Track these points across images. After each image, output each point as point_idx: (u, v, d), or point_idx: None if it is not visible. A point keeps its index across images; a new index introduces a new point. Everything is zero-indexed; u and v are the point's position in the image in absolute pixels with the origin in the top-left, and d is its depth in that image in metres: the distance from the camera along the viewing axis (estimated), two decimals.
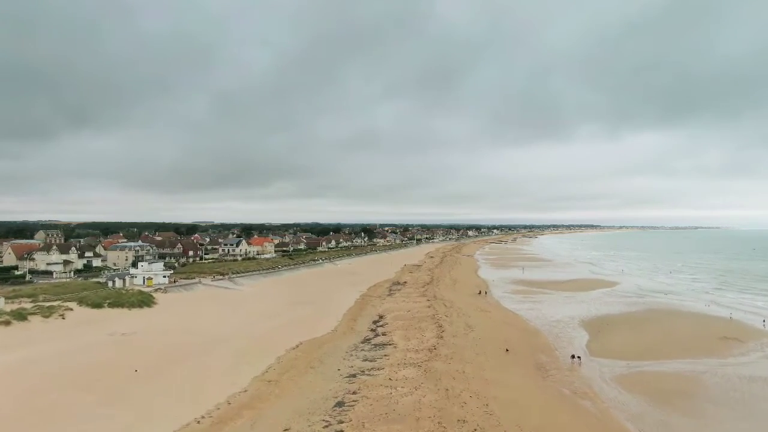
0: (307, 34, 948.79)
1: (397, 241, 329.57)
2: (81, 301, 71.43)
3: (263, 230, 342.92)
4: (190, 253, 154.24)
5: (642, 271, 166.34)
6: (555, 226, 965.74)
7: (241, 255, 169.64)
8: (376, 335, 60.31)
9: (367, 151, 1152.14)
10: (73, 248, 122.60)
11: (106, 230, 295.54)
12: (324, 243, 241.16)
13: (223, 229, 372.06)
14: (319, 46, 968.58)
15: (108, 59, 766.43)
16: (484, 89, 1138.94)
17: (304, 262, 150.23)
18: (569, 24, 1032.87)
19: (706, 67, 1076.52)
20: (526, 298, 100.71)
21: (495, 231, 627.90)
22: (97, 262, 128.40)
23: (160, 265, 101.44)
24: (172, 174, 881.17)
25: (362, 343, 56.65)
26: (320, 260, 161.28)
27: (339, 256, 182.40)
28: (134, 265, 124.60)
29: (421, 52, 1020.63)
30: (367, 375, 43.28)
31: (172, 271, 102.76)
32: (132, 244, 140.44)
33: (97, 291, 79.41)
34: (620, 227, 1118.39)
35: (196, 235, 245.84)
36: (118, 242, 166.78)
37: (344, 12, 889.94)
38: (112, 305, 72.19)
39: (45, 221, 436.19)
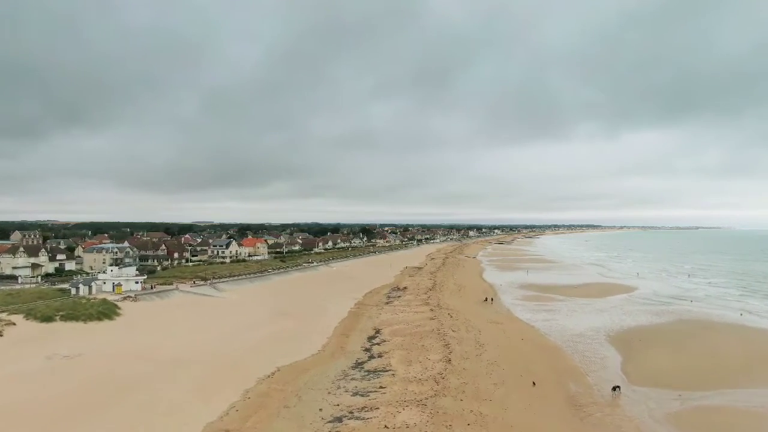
0: (296, 28, 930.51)
1: (397, 242, 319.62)
2: (28, 314, 61.45)
3: (259, 230, 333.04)
4: (176, 255, 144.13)
5: (655, 273, 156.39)
6: (556, 226, 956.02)
7: (231, 257, 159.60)
8: (371, 357, 50.39)
9: (366, 150, 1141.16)
10: (43, 250, 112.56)
11: (98, 230, 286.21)
12: (320, 244, 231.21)
13: (222, 229, 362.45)
14: (309, 41, 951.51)
15: (93, 56, 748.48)
16: (481, 87, 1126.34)
17: (296, 265, 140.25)
18: (567, 19, 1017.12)
19: (707, 64, 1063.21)
20: (539, 306, 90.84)
21: (496, 231, 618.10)
22: (71, 266, 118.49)
23: (132, 269, 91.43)
24: (169, 173, 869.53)
25: (354, 368, 46.70)
26: (314, 263, 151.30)
27: (335, 258, 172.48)
28: (120, 267, 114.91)
29: (415, 49, 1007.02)
30: (357, 419, 33.41)
31: (145, 277, 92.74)
32: (110, 245, 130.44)
33: (49, 302, 69.32)
34: (621, 227, 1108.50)
35: (187, 235, 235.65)
36: (102, 243, 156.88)
37: (333, 6, 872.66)
38: (65, 318, 62.17)
39: (43, 221, 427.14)
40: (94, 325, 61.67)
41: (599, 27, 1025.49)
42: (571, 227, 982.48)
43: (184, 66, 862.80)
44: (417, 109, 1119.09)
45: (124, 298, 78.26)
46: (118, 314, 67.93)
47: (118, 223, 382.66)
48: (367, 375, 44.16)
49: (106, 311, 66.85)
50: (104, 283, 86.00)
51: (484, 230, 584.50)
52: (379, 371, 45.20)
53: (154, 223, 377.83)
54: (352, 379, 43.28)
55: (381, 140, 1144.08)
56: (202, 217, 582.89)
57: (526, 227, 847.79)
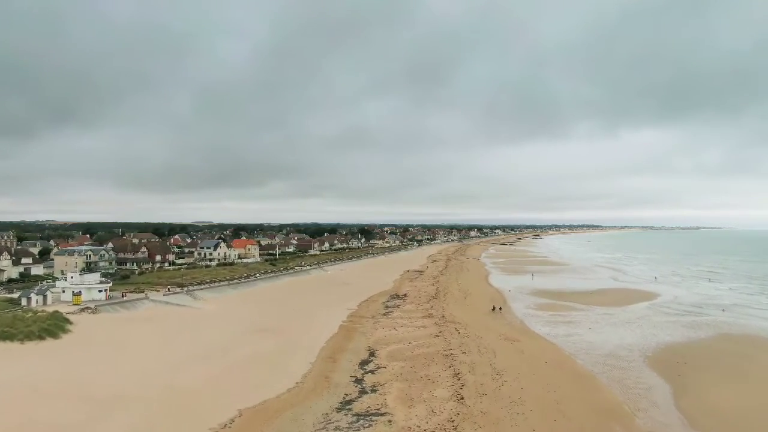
0: (285, 23, 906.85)
1: (397, 243, 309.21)
2: None
3: (254, 231, 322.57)
4: (158, 257, 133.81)
5: (671, 277, 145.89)
6: (557, 227, 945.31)
7: (218, 259, 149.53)
8: (362, 392, 40.09)
9: (363, 150, 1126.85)
10: (6, 253, 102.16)
11: (92, 230, 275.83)
12: (316, 245, 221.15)
13: (220, 229, 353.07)
14: (299, 36, 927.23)
15: (78, 51, 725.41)
16: (477, 85, 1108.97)
17: (287, 269, 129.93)
18: (564, 15, 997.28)
19: (707, 61, 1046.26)
20: (555, 317, 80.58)
21: (497, 231, 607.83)
22: (38, 270, 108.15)
23: (96, 276, 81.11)
24: (166, 174, 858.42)
25: (339, 409, 36.39)
26: (307, 266, 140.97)
27: (330, 261, 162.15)
28: (82, 272, 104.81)
29: (409, 45, 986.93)
30: None
31: (111, 284, 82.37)
32: (83, 248, 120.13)
33: None
34: (622, 227, 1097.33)
35: (177, 236, 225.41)
36: (81, 245, 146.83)
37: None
38: None
39: (42, 221, 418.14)
40: (32, 347, 51.34)
41: (597, 23, 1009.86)
42: (572, 227, 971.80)
43: (172, 62, 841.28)
44: (413, 107, 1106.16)
45: (82, 310, 68.08)
46: (66, 331, 57.62)
47: (116, 223, 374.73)
48: (356, 421, 33.86)
49: (51, 328, 56.50)
50: (63, 291, 75.74)
51: (485, 230, 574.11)
52: (372, 415, 34.92)
53: (151, 224, 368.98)
54: (336, 427, 32.96)
55: (378, 139, 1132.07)
56: (202, 217, 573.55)
57: (526, 227, 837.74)
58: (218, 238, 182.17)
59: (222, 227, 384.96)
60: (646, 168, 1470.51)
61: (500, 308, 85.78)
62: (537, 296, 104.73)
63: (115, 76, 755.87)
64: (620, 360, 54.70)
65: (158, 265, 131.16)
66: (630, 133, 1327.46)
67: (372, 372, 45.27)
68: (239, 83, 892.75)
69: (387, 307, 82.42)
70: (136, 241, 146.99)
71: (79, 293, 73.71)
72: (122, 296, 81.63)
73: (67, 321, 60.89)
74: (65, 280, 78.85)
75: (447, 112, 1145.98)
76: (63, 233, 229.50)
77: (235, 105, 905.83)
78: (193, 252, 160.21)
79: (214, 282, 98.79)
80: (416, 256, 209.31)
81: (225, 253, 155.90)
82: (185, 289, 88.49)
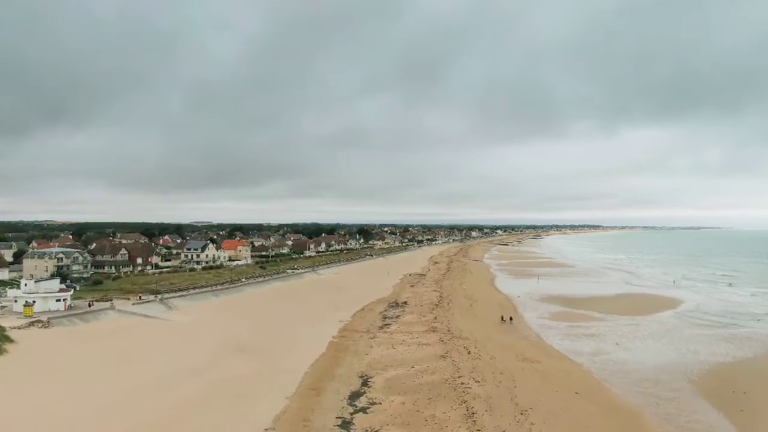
0: (276, 19, 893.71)
1: (397, 243, 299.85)
2: None
3: (250, 231, 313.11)
4: (139, 260, 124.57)
5: (687, 281, 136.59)
6: (557, 227, 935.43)
7: (206, 262, 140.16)
8: None
9: (361, 149, 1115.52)
10: None
11: (81, 230, 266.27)
12: (312, 246, 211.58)
13: (219, 229, 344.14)
14: (290, 33, 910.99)
15: (64, 49, 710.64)
16: (473, 83, 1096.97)
17: (278, 272, 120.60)
18: (560, 9, 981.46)
19: (707, 58, 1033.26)
20: (575, 329, 71.46)
21: (498, 231, 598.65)
22: (3, 275, 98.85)
23: (54, 282, 71.75)
24: (162, 173, 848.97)
25: None
26: (300, 269, 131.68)
27: (326, 263, 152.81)
28: (53, 276, 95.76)
29: (403, 41, 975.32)
30: None
31: (72, 291, 73.09)
32: (54, 250, 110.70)
33: None
34: (623, 227, 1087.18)
35: (166, 237, 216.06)
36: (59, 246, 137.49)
37: None
38: None
39: (40, 221, 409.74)
40: None
41: (594, 19, 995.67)
42: (573, 227, 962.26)
43: (162, 59, 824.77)
44: (409, 105, 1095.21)
45: (31, 324, 58.83)
46: (2, 352, 48.35)
47: (114, 223, 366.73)
48: None
49: None
50: (15, 301, 66.43)
51: (486, 231, 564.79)
52: None
53: (149, 224, 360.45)
54: None
55: (375, 138, 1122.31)
56: (201, 217, 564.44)
57: (527, 227, 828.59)
58: (209, 239, 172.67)
59: (221, 227, 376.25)
60: (646, 167, 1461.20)
61: (511, 318, 76.54)
62: (549, 303, 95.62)
63: (103, 74, 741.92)
64: (663, 387, 45.56)
65: (140, 268, 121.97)
66: (629, 132, 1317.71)
67: (364, 410, 36.05)
68: (232, 81, 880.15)
69: (385, 317, 73.16)
70: (118, 242, 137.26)
71: (32, 303, 64.38)
72: (89, 305, 72.49)
73: (7, 339, 51.71)
74: (17, 288, 69.52)
75: (443, 110, 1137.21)
76: (48, 233, 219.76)
77: (228, 103, 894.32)
78: (179, 254, 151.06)
79: (195, 288, 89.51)
80: (417, 258, 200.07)
81: (213, 255, 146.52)
82: (159, 296, 79.17)
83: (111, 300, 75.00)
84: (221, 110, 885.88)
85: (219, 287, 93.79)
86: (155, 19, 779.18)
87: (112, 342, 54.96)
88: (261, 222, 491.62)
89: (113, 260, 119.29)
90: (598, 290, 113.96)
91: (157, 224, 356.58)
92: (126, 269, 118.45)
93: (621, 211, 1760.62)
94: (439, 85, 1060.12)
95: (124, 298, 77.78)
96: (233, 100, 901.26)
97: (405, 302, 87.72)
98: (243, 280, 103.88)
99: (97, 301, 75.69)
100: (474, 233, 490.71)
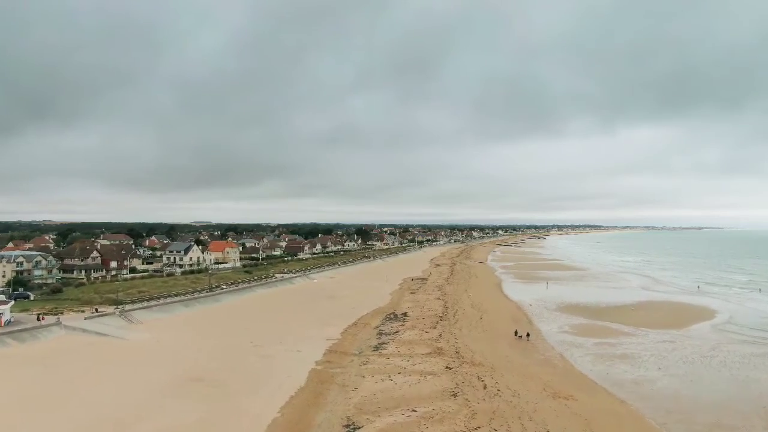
0: (261, 10, 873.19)
1: (396, 244, 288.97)
2: None
3: (242, 231, 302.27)
4: (113, 264, 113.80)
5: (711, 286, 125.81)
6: (558, 227, 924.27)
7: (190, 265, 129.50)
8: None
9: (358, 148, 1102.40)
10: None
11: (70, 230, 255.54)
12: (307, 247, 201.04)
13: (218, 229, 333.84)
14: (278, 25, 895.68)
15: (41, 45, 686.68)
16: (467, 79, 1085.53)
17: (265, 277, 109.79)
18: (555, 2, 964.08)
19: (706, 54, 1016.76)
20: (604, 347, 60.79)
21: (500, 232, 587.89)
22: None
23: None
24: (157, 172, 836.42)
25: None
26: (291, 273, 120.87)
27: (320, 266, 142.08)
28: (10, 283, 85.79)
29: (395, 36, 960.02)
30: None
31: (11, 303, 62.16)
32: (13, 253, 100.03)
33: None
34: (624, 228, 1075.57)
35: (153, 237, 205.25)
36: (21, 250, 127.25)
37: None
38: None
39: (37, 221, 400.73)
40: None
41: (590, 13, 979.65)
42: (574, 227, 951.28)
43: (143, 54, 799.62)
44: (404, 103, 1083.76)
45: None
46: None
47: (111, 224, 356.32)
48: None
49: None
50: None
51: (487, 231, 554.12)
52: None
53: (138, 224, 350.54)
54: None
55: (371, 136, 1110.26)
56: (200, 217, 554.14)
57: (528, 227, 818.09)
58: (194, 241, 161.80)
59: (220, 228, 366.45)
60: (645, 167, 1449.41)
61: (528, 334, 65.69)
62: (567, 313, 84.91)
63: (84, 69, 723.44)
64: None
65: (113, 272, 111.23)
66: (627, 130, 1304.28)
67: None
68: (220, 77, 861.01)
69: (381, 334, 62.37)
70: (90, 244, 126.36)
71: None
72: (38, 319, 61.80)
73: None
74: None
75: (439, 108, 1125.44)
76: (30, 234, 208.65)
77: (219, 100, 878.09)
78: (161, 257, 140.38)
79: (166, 297, 78.74)
80: (417, 260, 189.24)
81: (198, 257, 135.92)
82: (120, 308, 68.33)
83: (61, 313, 64.16)
84: (212, 108, 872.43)
85: (194, 295, 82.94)
86: (133, 11, 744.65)
87: (36, 372, 44.14)
88: (260, 222, 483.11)
89: (84, 264, 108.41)
90: (617, 297, 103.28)
91: (144, 224, 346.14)
92: (98, 274, 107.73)
93: (620, 211, 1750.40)
94: (434, 82, 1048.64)
95: (79, 311, 67.00)
96: (223, 97, 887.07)
97: (405, 313, 76.94)
98: (223, 287, 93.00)
99: (47, 313, 65.00)
100: (475, 234, 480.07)
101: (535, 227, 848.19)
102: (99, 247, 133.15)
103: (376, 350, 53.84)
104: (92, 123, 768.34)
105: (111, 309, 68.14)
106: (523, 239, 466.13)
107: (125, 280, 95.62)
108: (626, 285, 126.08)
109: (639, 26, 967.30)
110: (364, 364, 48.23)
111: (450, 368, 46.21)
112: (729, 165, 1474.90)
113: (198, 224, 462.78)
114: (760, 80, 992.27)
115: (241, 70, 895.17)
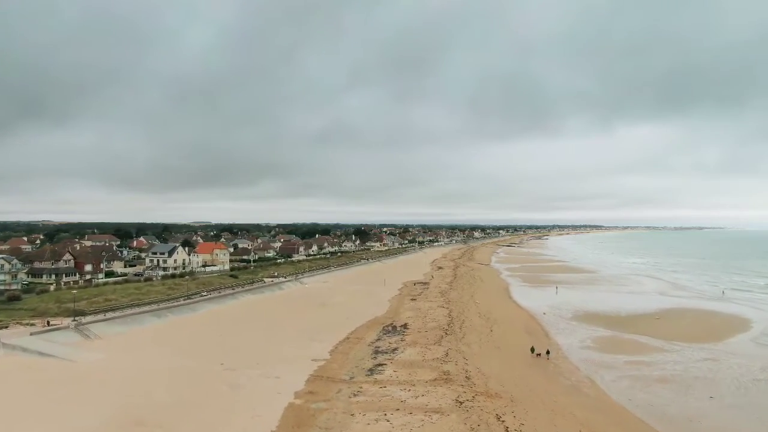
0: (243, 5, 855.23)
1: (396, 245, 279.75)
2: None
3: (238, 232, 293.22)
4: (88, 267, 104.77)
5: (734, 290, 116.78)
6: (559, 227, 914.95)
7: (174, 268, 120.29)
8: None
9: (353, 146, 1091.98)
10: None
11: (59, 231, 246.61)
12: (302, 249, 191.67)
13: (217, 230, 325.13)
14: (262, 21, 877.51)
15: (25, 43, 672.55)
16: (466, 78, 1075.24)
17: (252, 282, 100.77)
18: (554, 1, 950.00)
19: (706, 51, 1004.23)
20: (637, 368, 51.97)
21: (501, 232, 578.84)
22: None
23: None
24: (153, 172, 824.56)
25: None
26: (282, 277, 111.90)
27: (314, 269, 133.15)
28: None
29: (390, 34, 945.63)
30: None
31: None
32: None
33: None
34: (625, 227, 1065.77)
35: (141, 238, 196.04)
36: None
37: None
38: None
39: (37, 222, 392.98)
40: None
41: (589, 9, 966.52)
42: (574, 227, 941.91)
43: (130, 51, 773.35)
44: (400, 102, 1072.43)
45: None
46: None
47: (107, 224, 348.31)
48: None
49: None
50: None
51: (488, 231, 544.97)
52: None
53: (147, 224, 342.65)
54: None
55: (367, 135, 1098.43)
56: (199, 217, 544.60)
57: (528, 227, 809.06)
58: (182, 242, 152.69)
59: (219, 228, 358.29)
60: (644, 166, 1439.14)
61: (548, 352, 56.72)
62: (586, 323, 76.06)
63: (70, 67, 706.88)
64: None
65: (88, 276, 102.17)
66: (626, 129, 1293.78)
67: None
68: (212, 75, 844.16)
69: (377, 352, 53.39)
70: (58, 247, 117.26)
71: None
72: None
73: None
74: None
75: (438, 108, 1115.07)
76: (9, 235, 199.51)
77: (212, 99, 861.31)
78: (143, 260, 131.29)
79: (137, 306, 69.76)
80: (418, 262, 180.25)
81: (183, 260, 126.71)
82: (77, 320, 59.35)
83: (6, 327, 55.22)
84: (205, 106, 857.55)
85: (169, 304, 73.90)
86: (114, 6, 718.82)
87: None
88: (259, 222, 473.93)
89: (54, 268, 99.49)
90: (636, 304, 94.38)
91: (141, 224, 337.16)
92: (70, 278, 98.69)
93: (620, 211, 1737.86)
94: (431, 80, 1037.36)
95: (29, 323, 58.07)
96: (216, 96, 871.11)
97: (405, 325, 67.99)
98: (204, 293, 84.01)
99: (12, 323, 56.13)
100: (476, 234, 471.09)
101: (536, 227, 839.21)
102: (77, 248, 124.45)
103: (371, 374, 44.89)
104: (87, 122, 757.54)
105: (66, 321, 59.19)
106: (524, 240, 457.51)
107: (97, 285, 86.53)
108: (642, 289, 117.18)
109: (637, 23, 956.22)
110: (355, 395, 39.28)
111: (461, 402, 37.27)
112: (729, 164, 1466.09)
113: (197, 224, 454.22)
114: (760, 78, 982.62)
115: (233, 68, 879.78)
